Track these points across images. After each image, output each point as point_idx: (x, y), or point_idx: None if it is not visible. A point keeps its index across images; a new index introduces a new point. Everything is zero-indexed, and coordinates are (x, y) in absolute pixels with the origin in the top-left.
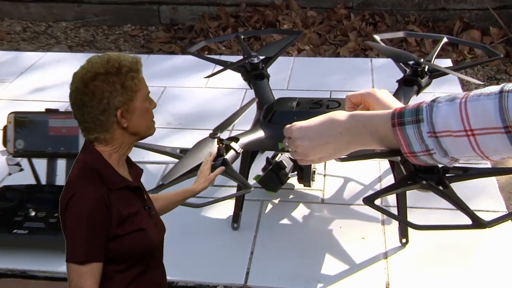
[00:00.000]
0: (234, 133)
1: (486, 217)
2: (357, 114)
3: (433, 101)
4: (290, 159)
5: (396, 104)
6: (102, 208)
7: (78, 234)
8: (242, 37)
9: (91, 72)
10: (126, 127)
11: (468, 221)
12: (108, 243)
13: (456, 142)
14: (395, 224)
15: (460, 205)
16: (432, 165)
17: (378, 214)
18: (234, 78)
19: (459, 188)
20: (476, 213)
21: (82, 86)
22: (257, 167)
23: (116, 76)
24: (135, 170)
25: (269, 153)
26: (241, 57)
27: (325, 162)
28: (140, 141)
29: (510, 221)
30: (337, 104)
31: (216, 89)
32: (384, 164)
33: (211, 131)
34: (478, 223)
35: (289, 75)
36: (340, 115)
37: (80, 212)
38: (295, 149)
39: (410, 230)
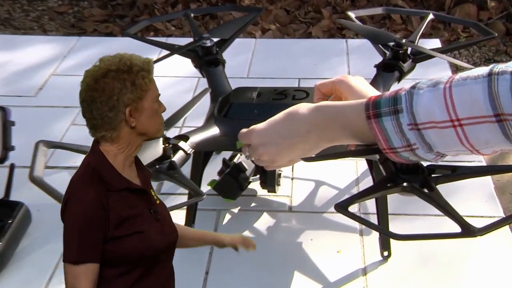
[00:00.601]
0: (183, 131)
1: (479, 223)
2: (323, 106)
3: (413, 87)
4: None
5: (372, 93)
6: (98, 209)
7: (73, 234)
8: (192, 15)
9: (103, 69)
10: (134, 126)
11: (457, 228)
12: (105, 245)
13: (442, 135)
14: (375, 234)
15: (448, 211)
16: (415, 164)
17: (356, 224)
18: (183, 65)
19: (448, 190)
20: (468, 219)
21: (93, 83)
22: (212, 171)
23: (127, 74)
24: (143, 172)
25: (226, 154)
26: (191, 39)
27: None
28: (69, 143)
29: (508, 228)
30: (304, 95)
31: (161, 78)
32: (362, 164)
33: None
34: (468, 231)
35: (250, 60)
36: (302, 109)
37: (76, 212)
38: (258, 157)
39: (392, 241)
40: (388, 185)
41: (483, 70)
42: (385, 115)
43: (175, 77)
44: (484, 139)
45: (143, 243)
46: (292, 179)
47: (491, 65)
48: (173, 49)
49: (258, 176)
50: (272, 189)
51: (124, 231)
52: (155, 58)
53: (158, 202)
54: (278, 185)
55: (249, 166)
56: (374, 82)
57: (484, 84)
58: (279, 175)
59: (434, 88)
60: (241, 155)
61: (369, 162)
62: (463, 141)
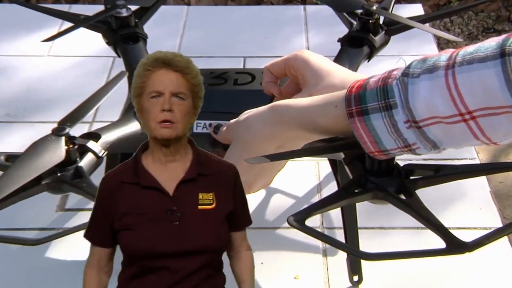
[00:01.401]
0: (94, 127)
1: (471, 236)
2: (279, 105)
3: (406, 74)
4: None
5: (339, 73)
6: (107, 196)
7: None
8: None
9: None
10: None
11: (441, 243)
12: (113, 233)
13: (450, 130)
14: (342, 255)
15: (430, 221)
16: (389, 164)
17: (318, 242)
18: (92, 41)
19: (431, 196)
20: (457, 232)
21: None
22: None
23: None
24: (176, 173)
25: None
26: (102, 8)
27: None
28: None
29: (507, 241)
30: (249, 78)
31: (64, 59)
32: (325, 165)
33: (55, 125)
34: (454, 246)
35: (181, 34)
36: (256, 114)
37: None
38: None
39: (364, 262)
40: (356, 190)
41: (490, 47)
42: (374, 111)
43: (81, 57)
44: (504, 131)
45: (131, 240)
46: None
47: (500, 40)
48: (78, 21)
49: None
50: None
51: (122, 224)
52: (54, 32)
53: (202, 207)
54: None
55: None
56: (338, 60)
57: (497, 69)
58: None
59: (432, 75)
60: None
61: (333, 163)
62: (478, 135)
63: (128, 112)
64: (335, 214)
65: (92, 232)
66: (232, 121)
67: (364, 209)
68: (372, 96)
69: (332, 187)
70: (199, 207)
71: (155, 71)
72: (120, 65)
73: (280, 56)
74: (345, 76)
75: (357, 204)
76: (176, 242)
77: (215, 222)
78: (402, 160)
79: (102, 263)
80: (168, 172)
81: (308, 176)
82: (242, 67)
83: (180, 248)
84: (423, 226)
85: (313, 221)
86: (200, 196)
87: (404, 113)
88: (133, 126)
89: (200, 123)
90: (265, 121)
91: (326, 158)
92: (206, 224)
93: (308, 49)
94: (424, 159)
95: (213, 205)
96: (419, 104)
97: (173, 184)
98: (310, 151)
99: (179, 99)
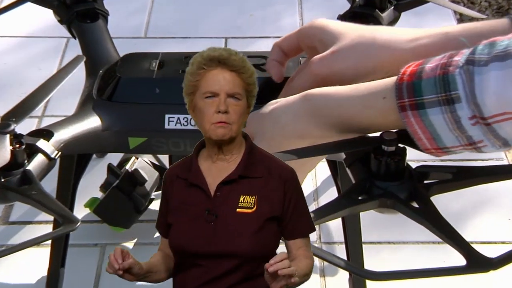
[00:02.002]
0: (44, 123)
1: (493, 252)
2: (315, 94)
3: (471, 62)
4: (155, 165)
5: (367, 28)
6: (165, 189)
7: None
8: None
9: None
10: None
11: (461, 260)
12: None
13: None
14: (343, 274)
15: (448, 234)
16: (399, 165)
17: (315, 259)
18: (42, 19)
19: (449, 204)
20: (480, 246)
21: None
22: (92, 184)
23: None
24: (223, 172)
25: (113, 158)
26: None
27: None
28: None
29: None
30: None
31: (7, 40)
32: (322, 168)
33: None
34: (477, 263)
35: (149, 10)
36: (285, 105)
37: None
38: None
39: (369, 283)
40: (360, 197)
41: None
42: (431, 105)
43: (28, 38)
44: None
45: (172, 236)
46: None
47: None
48: None
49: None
50: None
51: (169, 219)
52: None
53: (240, 210)
54: None
55: (149, 174)
56: None
57: None
58: None
59: (504, 63)
60: (137, 159)
61: (332, 165)
62: None
63: (86, 105)
64: (335, 226)
65: (159, 221)
66: (253, 112)
67: (369, 220)
68: (429, 87)
69: (331, 194)
70: (238, 210)
71: (210, 70)
72: (75, 48)
73: (269, 37)
74: (375, 31)
75: (361, 214)
76: (208, 243)
77: (251, 226)
78: (414, 161)
79: (168, 251)
80: (217, 171)
81: (304, 181)
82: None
83: (211, 250)
84: (439, 239)
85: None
86: (242, 198)
87: (470, 108)
88: (93, 122)
89: (173, 117)
90: (297, 114)
91: (324, 159)
92: (241, 228)
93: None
94: (441, 160)
95: (253, 209)
96: (488, 99)
97: (216, 184)
98: (311, 150)
99: (234, 99)
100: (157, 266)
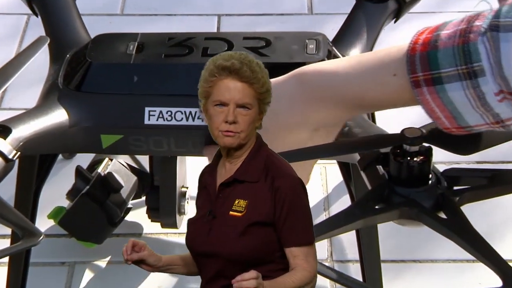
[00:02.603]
0: (0, 118)
1: None
2: (308, 73)
3: (495, 27)
4: (133, 168)
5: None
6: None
7: None
8: None
9: None
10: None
11: (496, 280)
12: None
13: None
14: None
15: (481, 250)
16: (424, 167)
17: (325, 280)
18: None
19: (483, 215)
20: None
21: None
22: (57, 191)
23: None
24: (227, 174)
25: (83, 159)
26: None
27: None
28: None
29: None
30: (225, 46)
31: None
32: (333, 171)
33: None
34: None
35: None
36: (275, 88)
37: None
38: None
39: None
40: (377, 206)
41: None
42: (450, 80)
43: None
44: None
45: (186, 235)
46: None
47: None
48: None
49: (143, 198)
50: (170, 222)
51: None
52: None
53: (232, 213)
54: (183, 213)
55: (126, 179)
56: (351, 21)
57: None
58: (184, 194)
59: None
60: (111, 160)
61: (344, 169)
62: None
63: (50, 96)
64: (349, 240)
65: None
66: None
67: (388, 233)
68: (447, 58)
69: (343, 202)
70: (231, 212)
71: (221, 79)
72: (37, 27)
73: (269, 15)
74: None
75: (379, 226)
76: (204, 243)
77: (236, 230)
78: (443, 163)
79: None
80: (224, 173)
81: (311, 185)
82: (215, 30)
83: (204, 249)
84: (471, 257)
85: (318, 250)
86: (236, 201)
87: (496, 82)
88: (58, 116)
89: (154, 111)
90: (291, 99)
91: (335, 161)
92: (228, 230)
93: (311, 4)
94: (476, 162)
95: (243, 213)
96: None
97: (221, 180)
98: (320, 151)
99: (244, 109)
100: (176, 261)
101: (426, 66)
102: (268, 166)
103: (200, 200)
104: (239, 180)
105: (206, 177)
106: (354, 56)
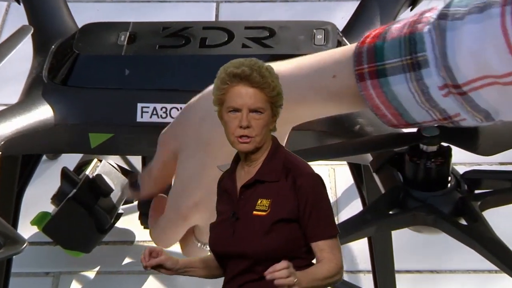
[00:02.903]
0: None
1: None
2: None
3: (444, 16)
4: (124, 170)
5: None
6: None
7: None
8: None
9: None
10: None
11: None
12: None
13: (511, 94)
14: None
15: (506, 260)
16: (442, 168)
17: None
18: None
19: (504, 222)
20: None
21: None
22: (43, 193)
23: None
24: (247, 177)
25: (69, 160)
26: None
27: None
28: None
29: None
30: (225, 36)
31: None
32: (343, 173)
33: None
34: None
35: None
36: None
37: None
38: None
39: None
40: (391, 212)
41: None
42: (394, 72)
43: None
44: None
45: (210, 239)
46: None
47: None
48: None
49: (135, 203)
50: None
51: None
52: None
53: (256, 213)
54: None
55: (117, 182)
56: (362, 9)
57: None
58: None
59: (482, 14)
60: (100, 162)
61: (355, 170)
62: None
63: (34, 91)
64: (360, 249)
65: None
66: (171, 124)
67: (403, 241)
68: (392, 49)
69: (354, 207)
70: (254, 212)
71: (233, 86)
72: (19, 15)
73: (274, 1)
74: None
75: (393, 234)
76: (228, 244)
77: (262, 229)
78: (464, 164)
79: None
80: (244, 175)
81: None
82: (213, 18)
83: (228, 250)
84: (494, 267)
85: None
86: (259, 201)
87: (439, 74)
88: (42, 113)
89: (148, 107)
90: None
91: (345, 162)
92: (253, 230)
93: None
94: (500, 163)
95: (267, 212)
96: (462, 60)
97: (241, 182)
98: (328, 151)
99: (257, 113)
100: (195, 263)
101: (372, 58)
102: (287, 165)
103: (220, 204)
104: (260, 181)
105: (226, 181)
106: (295, 59)
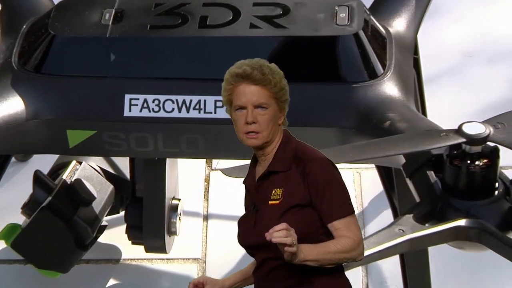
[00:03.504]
0: None
1: None
2: None
3: None
4: (108, 174)
5: None
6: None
7: None
8: None
9: None
10: None
11: None
12: None
13: None
14: None
15: None
16: (486, 174)
17: None
18: None
19: None
20: None
21: None
22: (12, 201)
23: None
24: (264, 168)
25: (43, 162)
26: None
27: (208, 180)
28: None
29: None
30: (229, 15)
31: None
32: (370, 176)
33: None
34: None
35: None
36: None
37: None
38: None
39: None
40: (427, 224)
41: None
42: None
43: None
44: None
45: (237, 234)
46: (207, 218)
47: None
48: None
49: (122, 213)
50: (156, 245)
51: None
52: None
53: (271, 202)
54: (174, 233)
55: (100, 188)
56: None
57: None
58: (175, 208)
59: None
60: (80, 164)
61: (385, 176)
62: None
63: (1, 80)
64: (390, 268)
65: None
66: None
67: (442, 259)
68: None
69: (383, 218)
70: (270, 202)
71: (237, 85)
72: None
73: None
74: None
75: (429, 250)
76: (251, 234)
77: (277, 216)
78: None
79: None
80: (260, 170)
81: None
82: None
83: (252, 240)
84: None
85: (351, 281)
86: (273, 191)
87: None
88: (11, 106)
89: (137, 99)
90: None
91: (373, 165)
92: (270, 218)
93: None
94: None
95: (280, 200)
96: None
97: (254, 178)
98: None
99: (261, 109)
100: (238, 277)
101: None
102: (297, 154)
103: (246, 201)
104: (273, 172)
105: (247, 179)
106: None
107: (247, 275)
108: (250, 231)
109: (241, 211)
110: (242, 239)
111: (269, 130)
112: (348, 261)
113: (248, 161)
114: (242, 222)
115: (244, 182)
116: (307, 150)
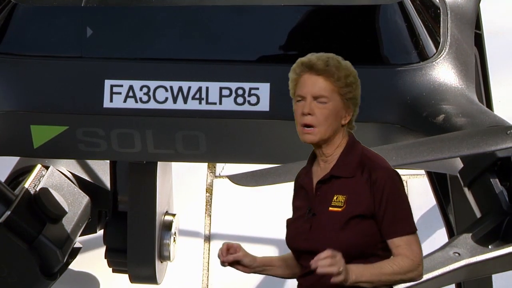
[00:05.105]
0: None
1: None
2: None
3: None
4: (82, 182)
5: None
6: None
7: None
8: None
9: None
10: None
11: None
12: None
13: None
14: None
15: None
16: None
17: None
18: None
19: None
20: None
21: None
22: None
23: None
24: (323, 172)
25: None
26: None
27: (210, 191)
28: None
29: None
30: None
31: None
32: (419, 184)
33: None
34: None
35: None
36: None
37: None
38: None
39: None
40: (490, 246)
41: None
42: None
43: None
44: None
45: (287, 236)
46: (209, 239)
47: None
48: None
49: (100, 231)
50: (144, 273)
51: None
52: None
53: (332, 209)
54: (167, 258)
55: (72, 200)
56: None
57: None
58: (168, 225)
59: None
60: (46, 170)
61: (436, 184)
62: None
63: None
64: None
65: None
66: None
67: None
68: None
69: (435, 236)
70: (330, 208)
71: (302, 75)
72: None
73: None
74: None
75: (494, 278)
76: (306, 239)
77: (338, 225)
78: None
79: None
80: (320, 171)
81: None
82: None
83: (307, 246)
84: None
85: None
86: (335, 197)
87: None
88: None
89: (120, 85)
90: None
91: (422, 170)
92: (329, 226)
93: None
94: None
95: (342, 208)
96: None
97: (317, 178)
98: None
99: (320, 103)
100: (273, 262)
101: None
102: (363, 161)
103: (297, 200)
104: (335, 176)
105: (303, 177)
106: None
107: (285, 263)
108: (305, 235)
109: (252, 229)
110: (293, 243)
111: (327, 127)
112: (405, 282)
113: (262, 166)
114: (294, 224)
115: (298, 179)
116: (373, 157)
